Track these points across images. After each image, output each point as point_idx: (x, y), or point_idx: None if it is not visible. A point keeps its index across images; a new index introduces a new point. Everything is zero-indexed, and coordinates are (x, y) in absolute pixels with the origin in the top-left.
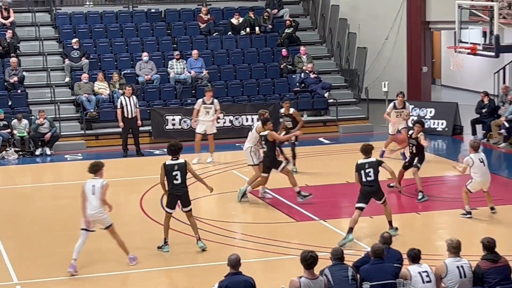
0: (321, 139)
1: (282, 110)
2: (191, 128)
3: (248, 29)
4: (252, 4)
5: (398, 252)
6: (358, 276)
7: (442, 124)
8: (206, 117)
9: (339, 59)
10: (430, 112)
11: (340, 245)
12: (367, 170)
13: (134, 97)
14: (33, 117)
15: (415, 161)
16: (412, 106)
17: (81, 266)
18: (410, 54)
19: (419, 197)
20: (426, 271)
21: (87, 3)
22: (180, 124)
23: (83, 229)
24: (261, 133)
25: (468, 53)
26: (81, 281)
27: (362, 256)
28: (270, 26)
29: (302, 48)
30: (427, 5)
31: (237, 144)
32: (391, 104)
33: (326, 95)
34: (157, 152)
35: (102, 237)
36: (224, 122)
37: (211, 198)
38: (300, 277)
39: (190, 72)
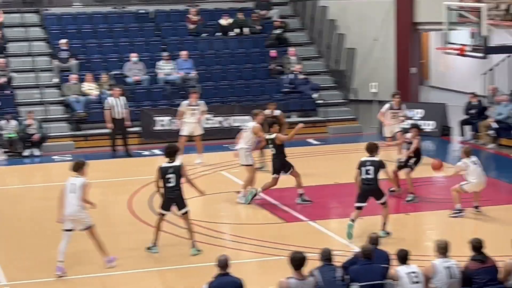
0: (309, 140)
1: (268, 112)
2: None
3: (237, 30)
4: (241, 5)
5: (386, 253)
6: (347, 276)
7: (431, 125)
8: (192, 119)
9: (328, 60)
10: (419, 113)
11: (348, 236)
12: (367, 168)
13: (123, 98)
14: (21, 118)
15: (411, 162)
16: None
17: (71, 266)
18: (399, 55)
19: (409, 198)
20: (414, 272)
21: (76, 4)
22: (169, 125)
23: (65, 230)
24: (268, 137)
25: (457, 54)
26: (70, 282)
27: (351, 257)
28: (259, 27)
29: (291, 49)
30: (415, 6)
31: (225, 145)
32: (387, 105)
33: (315, 96)
34: (146, 153)
35: (89, 239)
36: (213, 123)
37: (200, 199)
38: (289, 278)
39: (179, 73)
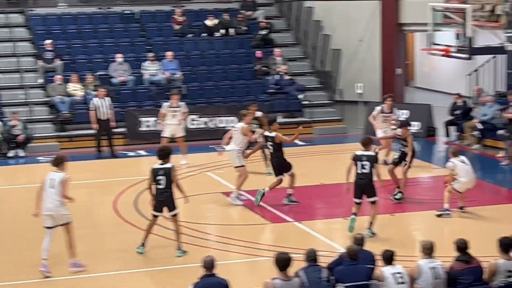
0: (295, 140)
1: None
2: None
3: (222, 31)
4: (227, 6)
5: (371, 253)
6: (332, 277)
7: (416, 126)
8: (173, 121)
9: (313, 61)
10: (404, 114)
11: (349, 230)
12: (363, 163)
13: (108, 98)
14: (6, 118)
15: (407, 159)
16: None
17: (57, 267)
18: (384, 56)
19: (397, 196)
20: (399, 272)
21: (61, 4)
22: (155, 126)
23: (46, 227)
24: (267, 134)
25: (442, 55)
26: (56, 283)
27: (336, 258)
28: (244, 28)
29: (276, 50)
30: (401, 7)
31: (211, 146)
32: (378, 108)
33: (300, 96)
34: (131, 154)
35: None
36: (199, 124)
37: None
38: (275, 279)
39: (164, 74)
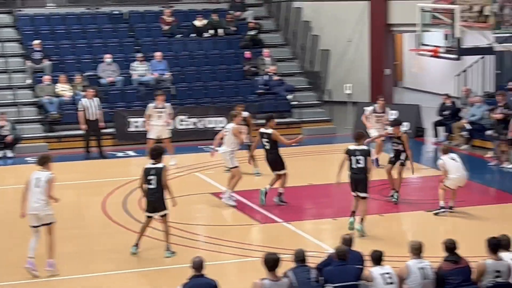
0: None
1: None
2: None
3: (211, 31)
4: (216, 6)
5: (360, 254)
6: (321, 277)
7: (405, 126)
8: (159, 122)
9: (302, 62)
10: (393, 114)
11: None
12: (357, 157)
13: (96, 99)
14: None
15: (402, 157)
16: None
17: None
18: (373, 57)
19: (395, 197)
20: (388, 273)
21: (49, 4)
22: (143, 127)
23: (32, 226)
24: (263, 131)
25: (430, 56)
26: (44, 284)
27: (325, 258)
28: (233, 29)
29: (265, 50)
30: (389, 8)
31: (200, 147)
32: (370, 108)
33: (289, 97)
34: (120, 154)
35: (63, 240)
36: (188, 124)
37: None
38: (263, 279)
39: (153, 74)
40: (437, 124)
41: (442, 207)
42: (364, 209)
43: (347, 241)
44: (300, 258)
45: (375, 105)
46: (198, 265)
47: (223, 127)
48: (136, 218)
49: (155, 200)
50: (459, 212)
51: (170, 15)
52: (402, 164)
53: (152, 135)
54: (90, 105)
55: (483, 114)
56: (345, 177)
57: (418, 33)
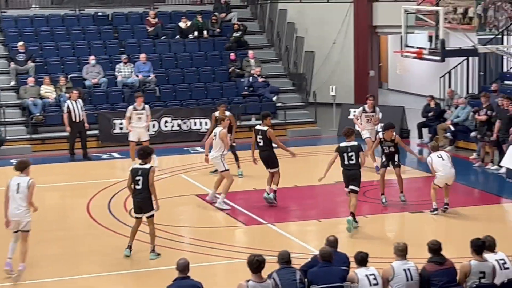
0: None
1: (217, 114)
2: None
3: (196, 33)
4: (200, 8)
5: (344, 255)
6: (306, 279)
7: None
8: (139, 123)
9: (287, 63)
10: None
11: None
12: (349, 154)
13: (80, 100)
14: None
15: (396, 159)
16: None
17: (27, 270)
18: (357, 58)
19: (402, 198)
20: (373, 274)
21: (33, 6)
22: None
23: (14, 231)
24: (258, 128)
25: (414, 58)
26: (29, 286)
27: (309, 260)
28: (218, 30)
29: (250, 52)
30: (373, 10)
31: (185, 148)
32: (360, 109)
33: (274, 99)
34: (104, 156)
35: (48, 242)
36: (172, 126)
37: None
38: (248, 281)
39: (137, 76)
40: (421, 125)
41: (435, 209)
42: (355, 202)
43: (332, 243)
44: (284, 259)
45: (365, 105)
46: (183, 267)
47: (207, 129)
48: (121, 220)
49: (141, 201)
50: (444, 213)
51: (155, 17)
52: (398, 166)
53: (133, 137)
54: (76, 107)
55: (467, 115)
56: (332, 176)
57: (402, 35)
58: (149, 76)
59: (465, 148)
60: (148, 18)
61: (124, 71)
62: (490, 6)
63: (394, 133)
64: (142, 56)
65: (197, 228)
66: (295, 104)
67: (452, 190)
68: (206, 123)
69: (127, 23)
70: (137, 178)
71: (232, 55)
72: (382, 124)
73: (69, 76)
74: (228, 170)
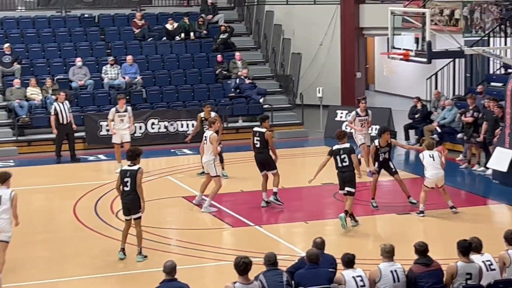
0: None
1: (203, 114)
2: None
3: (183, 35)
4: (187, 9)
5: (332, 257)
6: (293, 281)
7: (376, 129)
8: (121, 125)
9: (274, 65)
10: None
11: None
12: (342, 156)
13: (67, 102)
14: None
15: (392, 166)
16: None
17: (11, 273)
18: (344, 60)
19: (413, 200)
20: (360, 276)
21: (19, 7)
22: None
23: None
24: (257, 129)
25: (401, 59)
26: None
27: (296, 261)
28: (205, 32)
29: (237, 53)
30: (360, 12)
31: (172, 150)
32: (353, 113)
33: (261, 100)
34: (91, 158)
35: (34, 244)
36: (159, 128)
37: (146, 204)
38: (235, 283)
39: (124, 78)
40: (408, 127)
41: (421, 211)
42: (350, 203)
43: (319, 245)
44: (271, 261)
45: (357, 109)
46: (170, 269)
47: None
48: (107, 222)
49: (129, 202)
50: (430, 215)
51: (141, 19)
52: (396, 172)
53: (116, 139)
54: (63, 109)
55: (453, 117)
56: (319, 178)
57: (389, 37)
58: (136, 78)
59: (452, 149)
60: (135, 19)
61: (110, 73)
62: (476, 8)
63: (389, 136)
64: (129, 57)
65: (184, 230)
66: (282, 105)
67: (439, 191)
68: (193, 125)
69: (113, 25)
70: (125, 179)
71: (219, 57)
72: (375, 127)
73: (55, 78)
74: (219, 176)
